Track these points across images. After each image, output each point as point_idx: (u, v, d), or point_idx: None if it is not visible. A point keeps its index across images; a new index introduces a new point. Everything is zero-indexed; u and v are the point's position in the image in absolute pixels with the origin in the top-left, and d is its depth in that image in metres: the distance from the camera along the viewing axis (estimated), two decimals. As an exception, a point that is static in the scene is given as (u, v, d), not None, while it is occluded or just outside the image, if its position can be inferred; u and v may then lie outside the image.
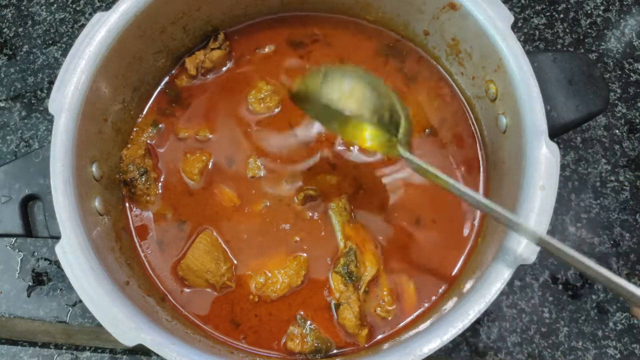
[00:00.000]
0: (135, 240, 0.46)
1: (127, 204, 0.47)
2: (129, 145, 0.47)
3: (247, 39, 0.52)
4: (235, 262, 0.45)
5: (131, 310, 0.36)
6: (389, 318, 0.44)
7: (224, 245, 0.45)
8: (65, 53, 0.61)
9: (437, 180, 0.37)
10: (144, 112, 0.50)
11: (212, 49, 0.50)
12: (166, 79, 0.51)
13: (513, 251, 0.36)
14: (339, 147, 0.48)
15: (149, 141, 0.48)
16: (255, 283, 0.44)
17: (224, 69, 0.51)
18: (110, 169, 0.46)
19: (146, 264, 0.45)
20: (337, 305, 0.43)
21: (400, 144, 0.38)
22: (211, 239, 0.45)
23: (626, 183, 0.56)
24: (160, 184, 0.47)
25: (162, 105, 0.50)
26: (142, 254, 0.46)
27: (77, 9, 0.64)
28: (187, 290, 0.45)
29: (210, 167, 0.48)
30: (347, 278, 0.43)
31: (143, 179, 0.46)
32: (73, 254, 0.37)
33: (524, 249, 0.36)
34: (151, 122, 0.49)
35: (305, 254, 0.45)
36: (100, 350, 0.51)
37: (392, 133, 0.39)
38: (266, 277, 0.44)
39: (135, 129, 0.49)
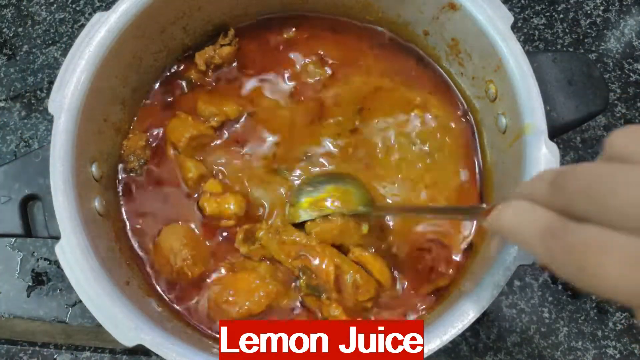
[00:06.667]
0: (132, 240, 0.46)
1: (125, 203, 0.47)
2: (130, 135, 0.47)
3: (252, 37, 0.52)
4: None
5: (131, 310, 0.36)
6: (374, 297, 0.42)
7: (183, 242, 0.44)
8: (65, 53, 0.61)
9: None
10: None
11: (222, 45, 0.49)
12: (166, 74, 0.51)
13: (513, 251, 0.36)
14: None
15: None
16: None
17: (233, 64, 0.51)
18: (110, 169, 0.45)
19: (146, 263, 0.45)
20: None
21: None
22: (191, 232, 0.45)
23: (626, 183, 0.56)
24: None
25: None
26: (141, 254, 0.46)
27: (77, 9, 0.64)
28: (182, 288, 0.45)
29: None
30: (316, 293, 0.42)
31: (142, 170, 0.46)
32: (73, 254, 0.37)
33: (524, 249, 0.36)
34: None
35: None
36: (100, 350, 0.51)
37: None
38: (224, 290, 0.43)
39: (135, 119, 0.49)
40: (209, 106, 0.48)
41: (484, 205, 0.28)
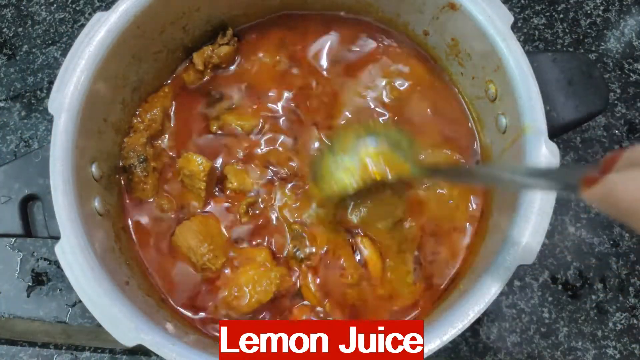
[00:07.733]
0: (135, 240, 0.46)
1: (126, 202, 0.47)
2: (132, 134, 0.47)
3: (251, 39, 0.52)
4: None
5: (131, 310, 0.36)
6: (356, 284, 0.44)
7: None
8: (64, 53, 0.61)
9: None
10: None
11: (220, 45, 0.50)
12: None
13: (513, 251, 0.36)
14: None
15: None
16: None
17: (232, 67, 0.51)
18: (110, 169, 0.45)
19: (146, 264, 0.45)
20: (299, 290, 0.44)
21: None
22: (206, 223, 0.45)
23: (626, 183, 0.56)
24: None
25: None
26: (141, 254, 0.46)
27: (77, 8, 0.64)
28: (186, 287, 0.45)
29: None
30: (300, 257, 0.44)
31: (142, 166, 0.46)
32: (72, 254, 0.37)
33: (524, 249, 0.36)
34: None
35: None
36: (100, 350, 0.51)
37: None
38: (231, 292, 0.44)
39: (138, 119, 0.49)
40: None
41: (579, 174, 0.24)
